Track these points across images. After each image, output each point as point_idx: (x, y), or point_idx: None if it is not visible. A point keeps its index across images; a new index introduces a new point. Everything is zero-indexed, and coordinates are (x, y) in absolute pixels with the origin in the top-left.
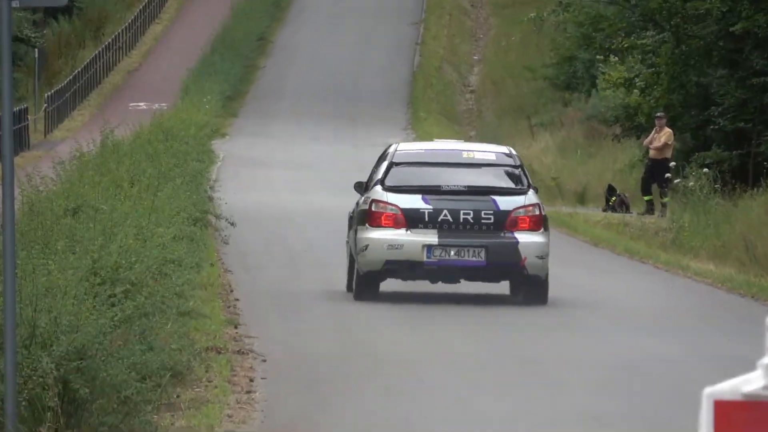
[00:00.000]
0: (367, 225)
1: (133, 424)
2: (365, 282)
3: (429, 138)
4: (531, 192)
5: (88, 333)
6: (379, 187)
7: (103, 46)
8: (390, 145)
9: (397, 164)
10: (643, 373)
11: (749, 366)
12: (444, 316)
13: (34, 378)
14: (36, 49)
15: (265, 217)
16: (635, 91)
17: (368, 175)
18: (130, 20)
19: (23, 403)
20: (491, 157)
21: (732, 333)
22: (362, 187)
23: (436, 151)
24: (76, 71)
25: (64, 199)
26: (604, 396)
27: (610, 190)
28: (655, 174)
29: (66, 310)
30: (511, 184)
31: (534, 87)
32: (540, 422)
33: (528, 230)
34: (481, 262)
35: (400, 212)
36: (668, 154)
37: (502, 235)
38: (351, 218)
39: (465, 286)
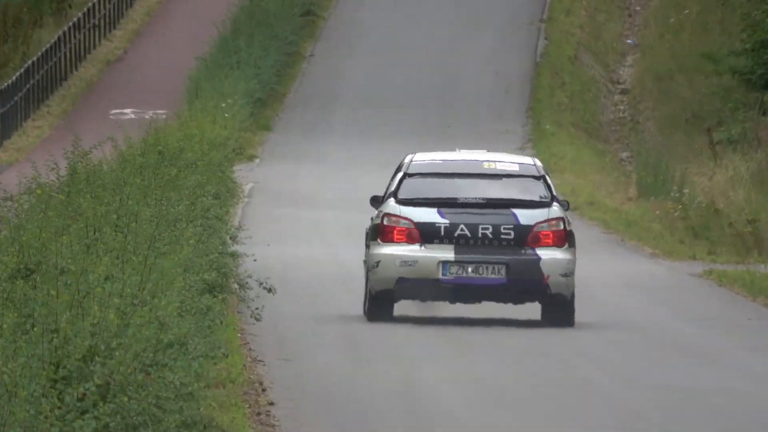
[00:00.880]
0: (379, 240)
1: None
2: (378, 301)
3: (562, 164)
4: (555, 205)
5: None
6: (392, 200)
7: (70, 24)
8: (406, 156)
9: (411, 175)
10: None
11: None
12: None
13: None
14: None
15: (312, 280)
16: None
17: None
18: None
19: None
20: (513, 168)
21: None
22: (378, 201)
23: (453, 161)
24: (30, 62)
25: (12, 255)
26: None
27: None
28: None
29: (15, 420)
30: (533, 197)
31: (717, 85)
32: None
33: (551, 246)
34: (501, 279)
35: (413, 226)
36: None
37: (524, 251)
38: (366, 235)
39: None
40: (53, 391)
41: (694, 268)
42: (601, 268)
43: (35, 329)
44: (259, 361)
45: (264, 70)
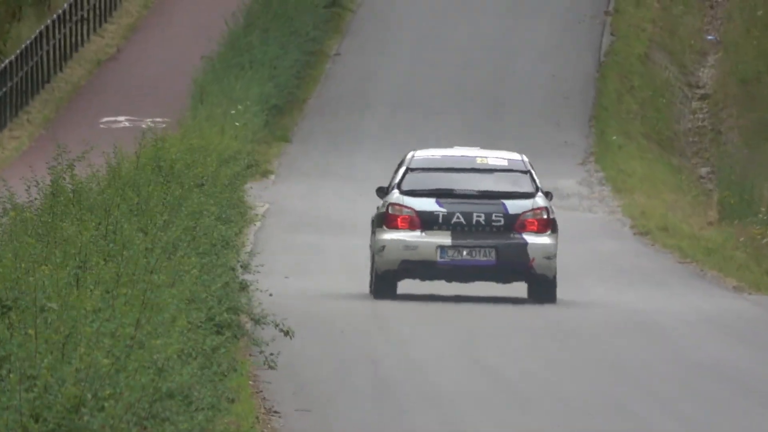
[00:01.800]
0: (384, 227)
1: None
2: (383, 281)
3: (630, 182)
4: (540, 196)
5: None
6: (396, 191)
7: (54, 17)
8: (409, 152)
9: (413, 170)
10: None
11: None
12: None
13: None
14: None
15: (337, 318)
16: None
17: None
18: None
19: None
20: (503, 163)
21: None
22: (383, 192)
23: (450, 157)
24: (7, 61)
25: None
26: None
27: None
28: None
29: None
30: (520, 189)
31: None
32: None
33: (536, 232)
34: (491, 261)
35: (415, 215)
36: None
37: (512, 236)
38: (372, 222)
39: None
40: None
41: None
42: (676, 303)
43: (11, 376)
44: (275, 412)
45: (281, 72)
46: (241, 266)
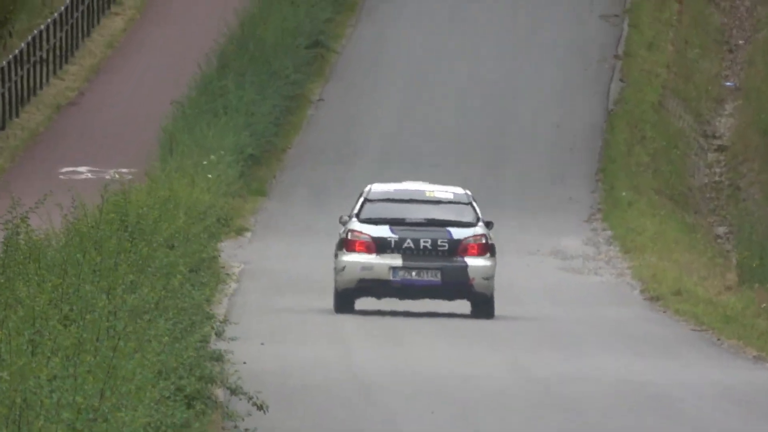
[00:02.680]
0: (344, 250)
1: None
2: (343, 298)
3: (640, 241)
4: (480, 225)
5: None
6: (355, 220)
7: (11, 57)
8: (367, 185)
9: (370, 201)
10: None
11: None
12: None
13: None
14: None
15: (319, 391)
16: None
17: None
18: (61, 9)
19: None
20: (449, 196)
21: None
22: (344, 220)
23: (403, 190)
24: None
25: None
26: None
27: None
28: None
29: None
30: (463, 218)
31: None
32: None
33: (476, 256)
34: (437, 281)
35: (371, 240)
36: None
37: (455, 259)
38: (336, 246)
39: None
40: None
41: None
42: (691, 375)
43: None
44: None
45: (259, 119)
46: (215, 333)
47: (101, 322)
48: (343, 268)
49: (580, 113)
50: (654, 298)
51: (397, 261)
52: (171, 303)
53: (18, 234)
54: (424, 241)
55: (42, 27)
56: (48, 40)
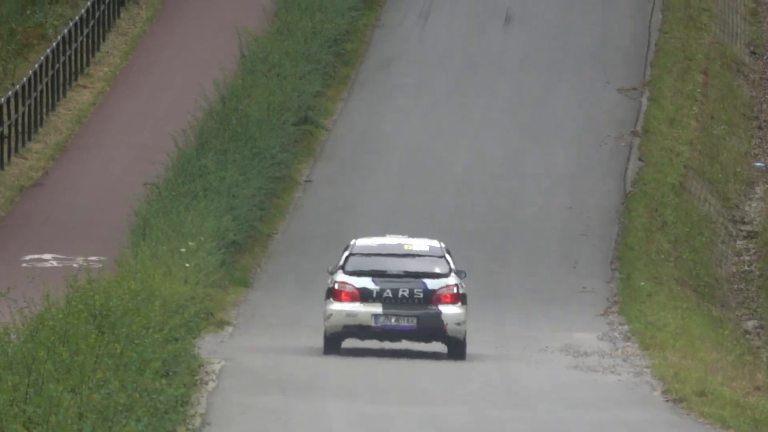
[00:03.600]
0: (332, 299)
1: None
2: (331, 341)
3: (661, 337)
4: (453, 276)
5: None
6: (340, 272)
7: None
8: (352, 240)
9: (354, 254)
10: None
11: None
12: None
13: None
14: None
15: None
16: None
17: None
18: (23, 81)
19: None
20: (425, 249)
21: None
22: (331, 272)
23: (383, 245)
24: None
25: None
26: None
27: None
28: None
29: None
30: (437, 270)
31: None
32: None
33: (449, 303)
34: (413, 327)
35: (355, 290)
36: None
37: (429, 307)
38: (325, 294)
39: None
40: None
41: None
42: None
43: None
44: None
45: (241, 202)
46: None
47: (67, 425)
48: (330, 315)
49: (595, 195)
50: (676, 400)
51: (378, 309)
52: (143, 403)
53: None
54: (402, 291)
55: (2, 100)
56: (9, 115)
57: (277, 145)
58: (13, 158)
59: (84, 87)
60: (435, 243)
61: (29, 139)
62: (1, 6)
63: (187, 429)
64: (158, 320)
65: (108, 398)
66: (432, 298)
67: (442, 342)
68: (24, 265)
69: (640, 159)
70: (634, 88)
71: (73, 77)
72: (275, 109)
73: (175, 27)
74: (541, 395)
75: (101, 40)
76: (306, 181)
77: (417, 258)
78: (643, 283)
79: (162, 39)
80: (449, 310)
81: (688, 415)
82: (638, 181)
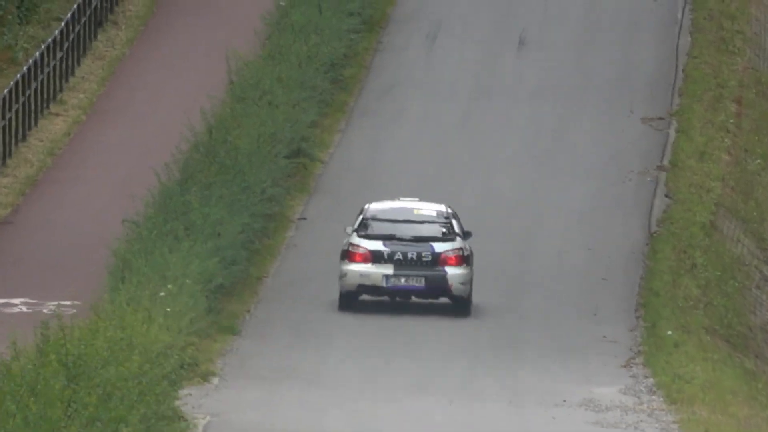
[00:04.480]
0: (346, 260)
1: None
2: (346, 298)
3: (690, 390)
4: (458, 239)
5: None
6: (355, 234)
7: None
8: (365, 204)
9: (367, 219)
10: None
11: None
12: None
13: None
14: None
15: None
16: None
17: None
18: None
19: None
20: (433, 214)
21: None
22: (347, 234)
23: (394, 209)
24: None
25: None
26: None
27: None
28: None
29: None
30: (443, 233)
31: None
32: None
33: (454, 265)
34: (421, 287)
35: (368, 252)
36: None
37: (436, 269)
38: (340, 255)
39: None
40: None
41: None
42: None
43: None
44: None
45: (228, 241)
46: None
47: None
48: (345, 275)
49: (617, 235)
50: None
51: (389, 270)
52: None
53: None
54: (411, 254)
55: None
56: None
57: (268, 180)
58: None
59: (57, 115)
60: (443, 208)
61: (3, 161)
62: None
63: None
64: (136, 371)
65: None
66: (439, 260)
67: (449, 299)
68: None
69: (666, 196)
70: (661, 118)
71: (45, 105)
72: (266, 140)
73: (158, 50)
74: None
75: (76, 64)
76: (300, 219)
77: (425, 222)
78: (669, 332)
79: (143, 63)
80: (454, 271)
81: None
82: (665, 220)
